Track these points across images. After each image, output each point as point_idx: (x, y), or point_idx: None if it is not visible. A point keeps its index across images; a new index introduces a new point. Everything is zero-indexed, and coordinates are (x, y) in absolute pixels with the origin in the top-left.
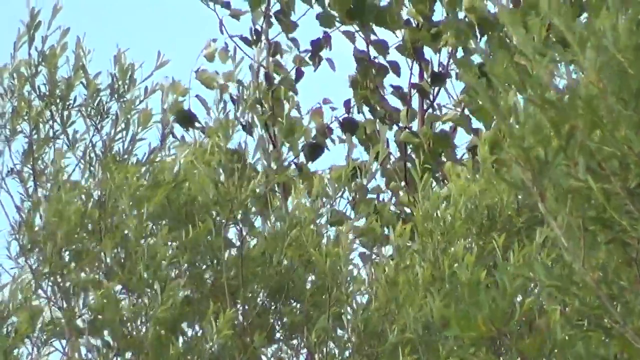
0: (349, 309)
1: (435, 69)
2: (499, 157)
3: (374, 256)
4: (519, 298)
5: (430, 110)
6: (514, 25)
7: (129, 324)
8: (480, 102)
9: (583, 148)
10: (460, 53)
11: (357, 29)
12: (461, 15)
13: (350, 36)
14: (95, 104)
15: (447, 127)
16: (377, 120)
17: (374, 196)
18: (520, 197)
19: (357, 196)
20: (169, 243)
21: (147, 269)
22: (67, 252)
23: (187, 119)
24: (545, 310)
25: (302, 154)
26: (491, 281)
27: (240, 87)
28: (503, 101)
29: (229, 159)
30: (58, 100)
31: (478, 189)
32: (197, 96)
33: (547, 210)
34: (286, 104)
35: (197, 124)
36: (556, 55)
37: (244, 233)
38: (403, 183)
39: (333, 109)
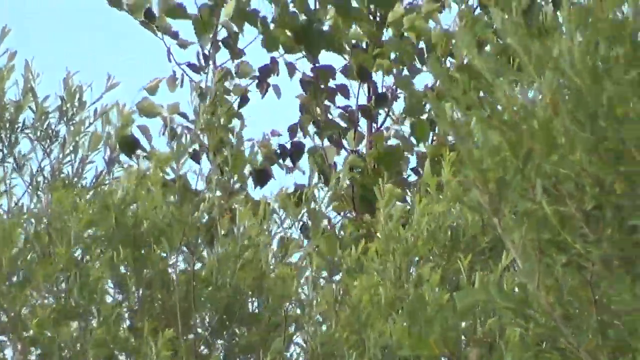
0: (305, 331)
1: (382, 91)
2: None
3: (322, 281)
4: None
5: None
6: (470, 47)
7: (66, 350)
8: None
9: (540, 170)
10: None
11: (304, 54)
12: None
13: (292, 68)
14: (44, 127)
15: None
16: (326, 143)
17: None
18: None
19: (309, 221)
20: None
21: (81, 293)
22: (14, 277)
23: (130, 146)
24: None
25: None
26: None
27: (191, 116)
28: (462, 124)
29: (181, 184)
30: (7, 125)
31: (441, 209)
32: (139, 126)
33: (504, 233)
34: (231, 135)
35: (140, 151)
36: (514, 77)
37: (195, 256)
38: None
39: (279, 135)
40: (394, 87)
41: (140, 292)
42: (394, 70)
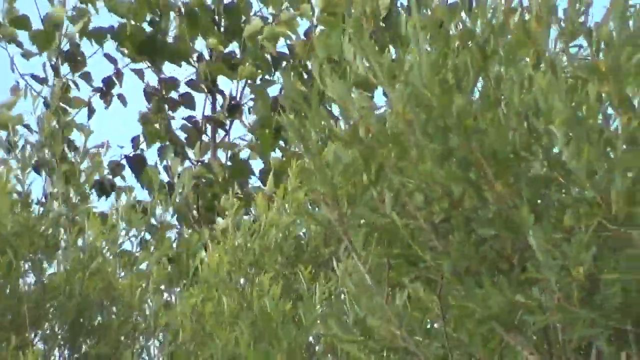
0: (156, 342)
1: (230, 102)
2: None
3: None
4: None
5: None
6: (320, 72)
7: None
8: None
9: (391, 184)
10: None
11: (149, 65)
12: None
13: (140, 74)
14: None
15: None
16: (169, 155)
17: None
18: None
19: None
20: None
21: None
22: None
23: None
24: None
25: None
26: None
27: (31, 128)
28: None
29: (26, 197)
30: None
31: (288, 220)
32: None
33: (352, 249)
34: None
35: None
36: (363, 103)
37: (44, 264)
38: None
39: (121, 147)
40: (241, 95)
41: None
42: (257, 80)
